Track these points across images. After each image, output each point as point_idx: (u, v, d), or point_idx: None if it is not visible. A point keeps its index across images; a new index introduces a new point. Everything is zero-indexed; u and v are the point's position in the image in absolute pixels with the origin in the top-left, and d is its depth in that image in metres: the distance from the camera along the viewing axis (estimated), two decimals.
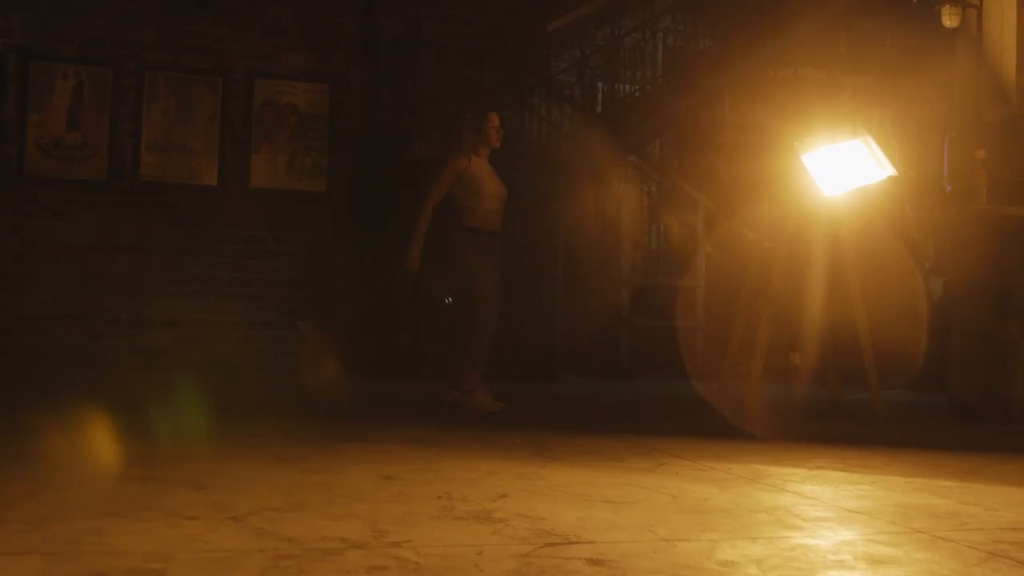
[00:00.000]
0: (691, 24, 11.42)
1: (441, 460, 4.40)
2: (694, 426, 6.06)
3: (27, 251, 9.27)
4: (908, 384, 8.60)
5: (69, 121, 9.42)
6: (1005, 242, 6.57)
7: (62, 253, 9.32)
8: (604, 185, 11.27)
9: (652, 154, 11.72)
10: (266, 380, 8.69)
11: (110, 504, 3.18)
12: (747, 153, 10.59)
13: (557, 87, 10.66)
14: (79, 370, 8.98)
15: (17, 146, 9.27)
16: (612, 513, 3.28)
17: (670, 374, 9.99)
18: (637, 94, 11.02)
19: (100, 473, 3.88)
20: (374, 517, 3.07)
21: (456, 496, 3.46)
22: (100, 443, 4.55)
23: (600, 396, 8.26)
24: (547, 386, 8.87)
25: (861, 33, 10.50)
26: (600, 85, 11.54)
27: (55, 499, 3.26)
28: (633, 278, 10.29)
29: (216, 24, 9.89)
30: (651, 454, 4.73)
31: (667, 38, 11.51)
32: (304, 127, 10.08)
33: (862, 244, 7.49)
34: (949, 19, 6.80)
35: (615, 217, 10.53)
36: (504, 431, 5.54)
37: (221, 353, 9.59)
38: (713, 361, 10.19)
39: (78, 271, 9.37)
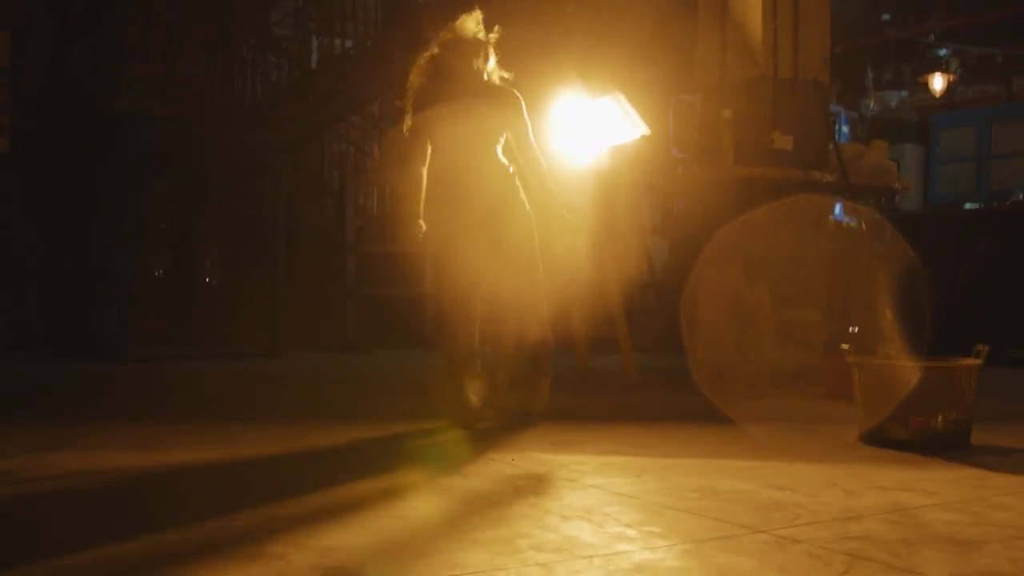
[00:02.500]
0: None
1: None
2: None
3: None
4: (646, 347, 8.49)
5: None
6: (753, 205, 6.44)
7: None
8: (324, 146, 10.61)
9: (372, 113, 11.15)
10: None
11: None
12: None
13: (272, 40, 9.87)
14: None
15: None
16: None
17: (400, 344, 9.52)
18: (352, 51, 10.37)
19: None
20: None
21: None
22: None
23: (313, 373, 7.66)
24: (265, 363, 8.18)
25: None
26: (315, 39, 10.82)
27: None
28: (360, 245, 9.69)
29: None
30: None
31: None
32: None
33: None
34: None
35: (339, 180, 9.89)
36: None
37: None
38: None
39: None
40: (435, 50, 4.75)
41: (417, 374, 7.29)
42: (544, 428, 4.75)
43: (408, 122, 4.70)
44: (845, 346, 4.43)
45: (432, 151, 4.70)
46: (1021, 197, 9.20)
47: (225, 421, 4.91)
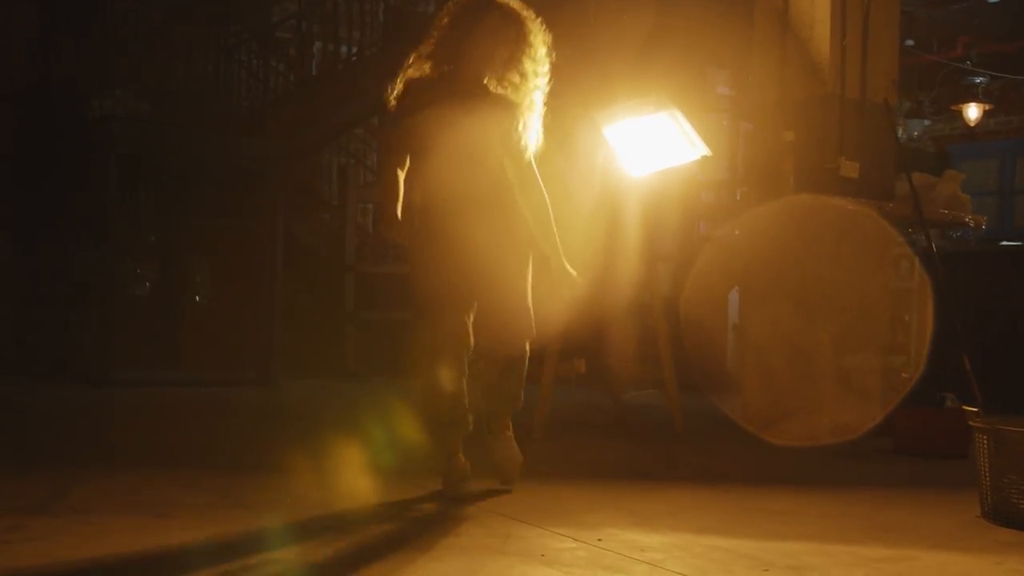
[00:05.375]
0: None
1: None
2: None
3: None
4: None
5: None
6: (817, 236, 5.84)
7: None
8: (318, 157, 9.96)
9: (372, 124, 10.50)
10: None
11: None
12: None
13: (272, 43, 9.19)
14: None
15: None
16: None
17: (400, 372, 8.84)
18: (354, 58, 9.73)
19: None
20: None
21: None
22: None
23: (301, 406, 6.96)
24: (257, 393, 7.49)
25: None
26: (317, 44, 10.15)
27: None
28: (360, 265, 9.00)
29: None
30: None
31: None
32: None
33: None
34: None
35: (338, 195, 9.24)
36: None
37: None
38: None
39: None
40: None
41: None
42: (607, 487, 4.12)
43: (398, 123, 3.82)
44: (970, 408, 3.80)
45: (414, 158, 3.77)
46: None
47: (226, 471, 4.24)
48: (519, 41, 3.74)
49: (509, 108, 3.79)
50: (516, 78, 3.81)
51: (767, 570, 2.91)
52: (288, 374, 8.10)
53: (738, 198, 8.15)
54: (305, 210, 9.40)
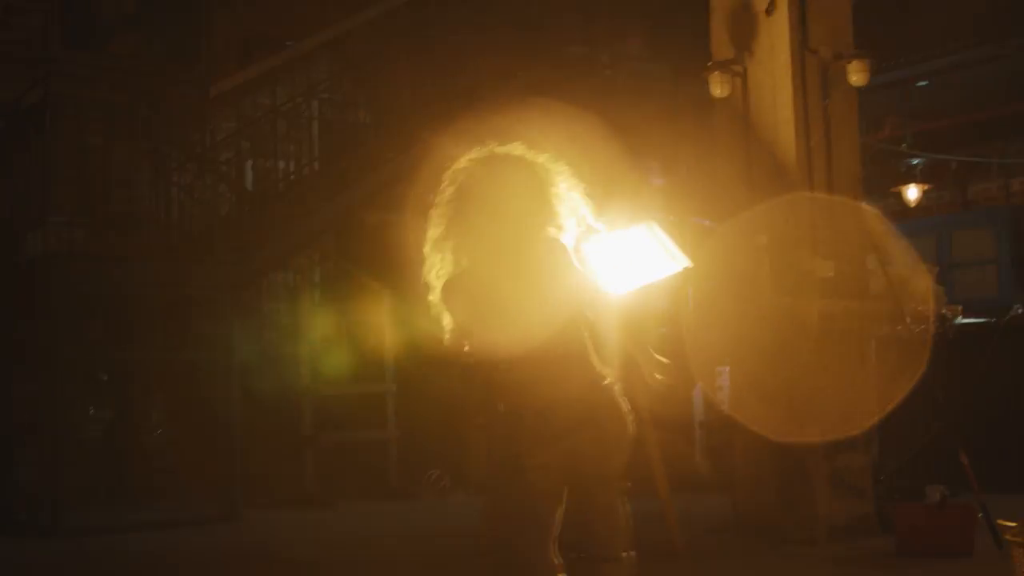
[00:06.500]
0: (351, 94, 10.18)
1: None
2: None
3: None
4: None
5: None
6: (797, 338, 5.79)
7: None
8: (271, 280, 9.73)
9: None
10: None
11: None
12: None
13: (210, 164, 8.98)
14: None
15: None
16: None
17: (365, 495, 8.59)
18: (293, 176, 9.55)
19: None
20: None
21: None
22: None
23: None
24: (222, 531, 7.15)
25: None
26: (250, 162, 9.93)
27: None
28: (316, 387, 8.74)
29: None
30: None
31: (324, 109, 10.18)
32: None
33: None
34: (720, 88, 6.01)
35: (290, 315, 9.01)
36: None
37: None
38: (410, 476, 8.90)
39: None
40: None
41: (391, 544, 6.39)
42: None
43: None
44: (1010, 525, 3.71)
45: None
46: (1020, 311, 8.77)
47: None
48: (545, 193, 3.33)
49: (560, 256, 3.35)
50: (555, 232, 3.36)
51: None
52: (249, 503, 7.75)
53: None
54: (252, 333, 9.12)
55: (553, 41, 9.96)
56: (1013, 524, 3.71)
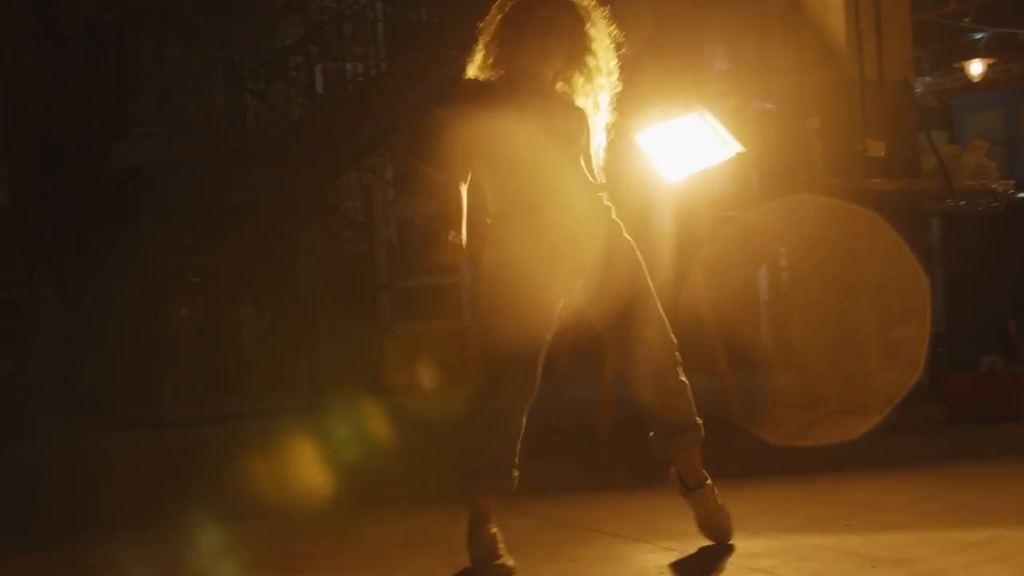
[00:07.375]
0: None
1: None
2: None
3: None
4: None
5: None
6: (852, 220, 5.98)
7: None
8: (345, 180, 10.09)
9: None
10: None
11: None
12: None
13: (281, 70, 9.30)
14: None
15: None
16: None
17: (443, 382, 8.99)
18: (361, 79, 9.82)
19: None
20: None
21: None
22: None
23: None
24: (310, 420, 7.57)
25: None
26: (319, 66, 10.21)
27: None
28: (393, 280, 9.13)
29: None
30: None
31: (388, 9, 10.37)
32: None
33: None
34: None
35: (365, 213, 9.37)
36: None
37: None
38: None
39: None
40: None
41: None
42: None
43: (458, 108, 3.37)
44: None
45: (482, 163, 3.37)
46: None
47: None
48: (578, 34, 3.38)
49: (574, 111, 3.45)
50: (579, 79, 3.45)
51: (875, 567, 3.07)
52: (335, 393, 8.19)
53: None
54: (331, 230, 9.52)
55: None
56: None
